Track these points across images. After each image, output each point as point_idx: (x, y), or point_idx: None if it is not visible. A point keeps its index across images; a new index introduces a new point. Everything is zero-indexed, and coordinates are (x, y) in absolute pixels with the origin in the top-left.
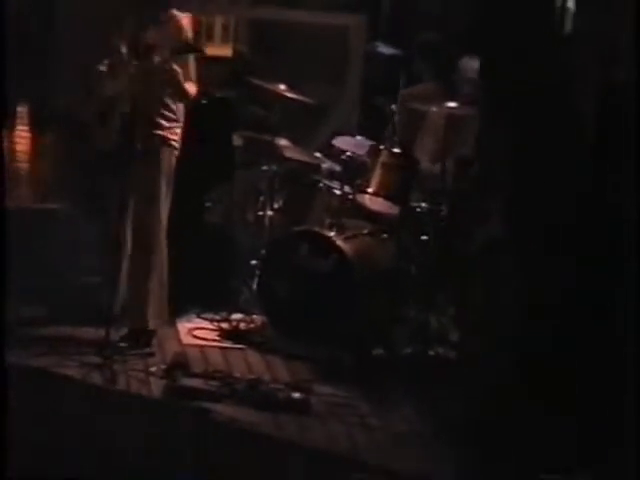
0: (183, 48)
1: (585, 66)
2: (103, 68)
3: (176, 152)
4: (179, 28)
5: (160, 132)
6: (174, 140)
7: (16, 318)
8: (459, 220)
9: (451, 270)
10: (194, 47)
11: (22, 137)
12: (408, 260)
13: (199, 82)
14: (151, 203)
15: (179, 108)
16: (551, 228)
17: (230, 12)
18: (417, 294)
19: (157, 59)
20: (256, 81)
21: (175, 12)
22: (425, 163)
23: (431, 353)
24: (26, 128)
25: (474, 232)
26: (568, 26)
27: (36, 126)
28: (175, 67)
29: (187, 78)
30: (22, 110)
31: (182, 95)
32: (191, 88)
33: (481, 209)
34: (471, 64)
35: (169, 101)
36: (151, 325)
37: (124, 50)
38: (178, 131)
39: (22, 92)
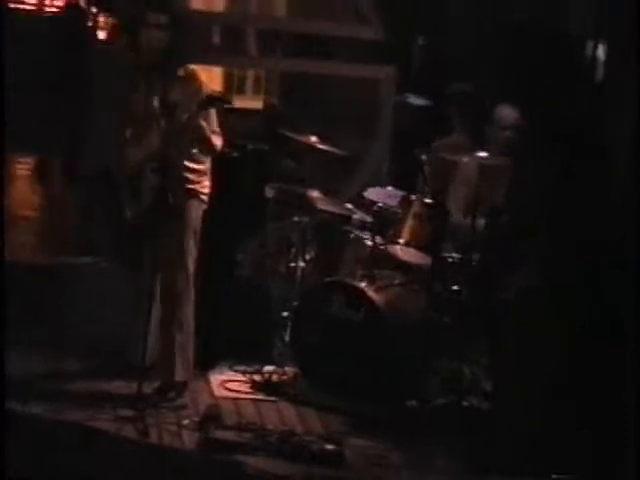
0: (209, 102)
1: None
2: (129, 132)
3: (204, 205)
4: (200, 82)
5: (190, 186)
6: (203, 193)
7: (48, 372)
8: (490, 270)
9: (483, 320)
10: (221, 99)
11: (55, 192)
12: (440, 310)
13: (228, 134)
14: (179, 256)
15: (207, 161)
16: (584, 275)
17: (261, 65)
18: (449, 344)
19: (183, 115)
20: (287, 133)
21: (193, 67)
22: (456, 213)
23: (465, 404)
24: (60, 184)
25: (506, 281)
26: (599, 75)
27: (70, 182)
28: (201, 122)
29: (212, 130)
30: (56, 166)
31: (209, 149)
32: (217, 140)
33: (513, 258)
34: (506, 112)
35: (197, 155)
36: (178, 377)
37: (149, 111)
38: (207, 184)
39: (55, 148)
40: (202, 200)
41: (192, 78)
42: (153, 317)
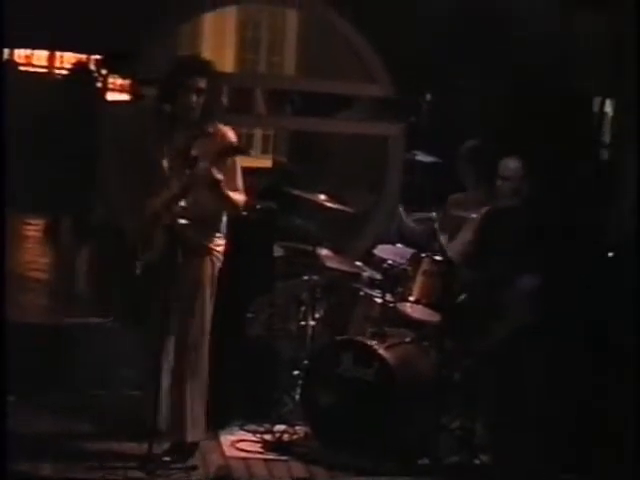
0: (226, 151)
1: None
2: (149, 184)
3: (218, 263)
4: (223, 138)
5: (204, 243)
6: (217, 251)
7: (59, 432)
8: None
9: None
10: (237, 148)
11: (65, 251)
12: (451, 368)
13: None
14: (194, 315)
15: (222, 219)
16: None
17: (270, 124)
18: (461, 402)
19: (201, 168)
20: (296, 192)
21: (221, 125)
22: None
23: (477, 462)
24: (68, 240)
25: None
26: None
27: (79, 238)
28: (217, 175)
29: (233, 187)
30: (65, 223)
31: (226, 203)
32: (239, 197)
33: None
34: (510, 165)
35: (213, 212)
36: (190, 438)
37: (168, 165)
38: (220, 242)
39: (65, 204)
40: (217, 257)
41: (215, 134)
42: (165, 377)
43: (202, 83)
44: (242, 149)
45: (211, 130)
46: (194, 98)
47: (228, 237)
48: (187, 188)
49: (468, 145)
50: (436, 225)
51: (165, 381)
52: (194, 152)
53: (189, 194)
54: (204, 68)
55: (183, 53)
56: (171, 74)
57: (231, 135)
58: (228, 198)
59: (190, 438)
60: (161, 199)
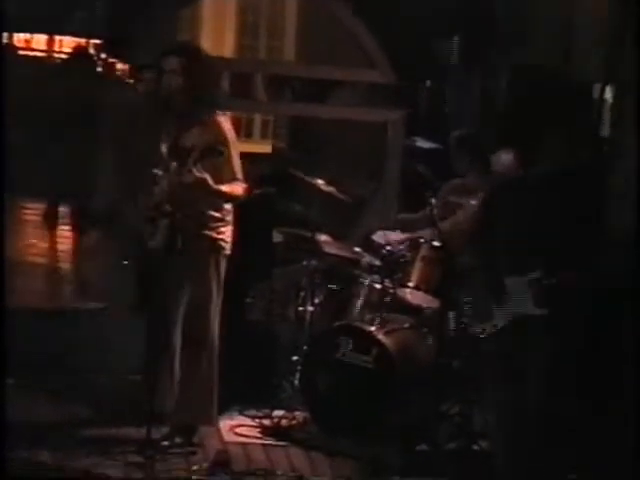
0: (206, 152)
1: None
2: (148, 174)
3: (226, 252)
4: (218, 129)
5: (207, 232)
6: (223, 240)
7: (57, 418)
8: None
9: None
10: (215, 150)
11: (66, 237)
12: (450, 354)
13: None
14: (204, 304)
15: (225, 208)
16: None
17: (269, 110)
18: (460, 388)
19: (190, 163)
20: (295, 176)
21: (218, 113)
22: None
23: (475, 448)
24: (69, 227)
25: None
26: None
27: (81, 225)
28: (200, 174)
29: (231, 177)
30: (65, 210)
31: (220, 197)
32: (236, 188)
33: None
34: (504, 158)
35: (215, 202)
36: (195, 422)
37: (167, 152)
38: (225, 230)
39: (65, 194)
40: (223, 247)
41: (211, 123)
42: (166, 363)
43: (177, 64)
44: (217, 149)
45: (205, 118)
46: (170, 79)
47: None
48: (181, 182)
49: (456, 134)
50: (435, 211)
51: (171, 367)
52: (188, 142)
53: (183, 186)
54: (180, 49)
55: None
56: (156, 60)
57: (227, 126)
58: (220, 193)
59: (194, 421)
60: (160, 188)
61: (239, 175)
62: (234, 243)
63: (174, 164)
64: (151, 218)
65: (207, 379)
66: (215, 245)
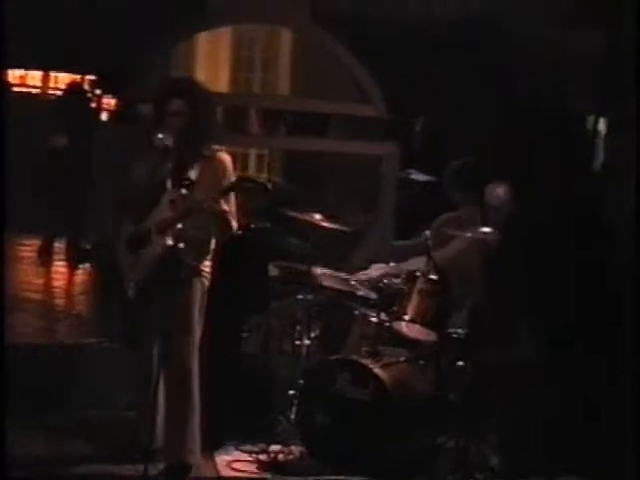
0: (239, 185)
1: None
2: (138, 203)
3: (207, 282)
4: (223, 164)
5: (195, 264)
6: (205, 271)
7: (53, 454)
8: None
9: (489, 395)
10: (243, 184)
11: (59, 272)
12: (446, 387)
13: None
14: (186, 334)
15: (212, 241)
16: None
17: (264, 144)
18: (456, 421)
19: (201, 196)
20: (291, 212)
21: (218, 148)
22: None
23: None
24: (64, 263)
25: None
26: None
27: (74, 260)
28: (224, 206)
29: (230, 212)
30: (60, 245)
31: (228, 231)
32: (233, 222)
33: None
34: (497, 191)
35: (204, 235)
36: (189, 459)
37: (161, 188)
38: (208, 263)
39: (59, 229)
40: (205, 277)
41: (214, 159)
42: (159, 398)
43: (182, 106)
44: (255, 182)
45: (206, 153)
46: (175, 121)
47: (222, 257)
48: (186, 213)
49: (451, 167)
50: (429, 242)
51: (160, 402)
52: (191, 176)
53: (187, 218)
54: (183, 90)
55: (177, 73)
56: (154, 99)
57: (228, 160)
58: (230, 226)
59: (189, 460)
60: (153, 221)
61: (233, 209)
62: (231, 277)
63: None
64: (136, 244)
65: (194, 411)
66: (200, 278)
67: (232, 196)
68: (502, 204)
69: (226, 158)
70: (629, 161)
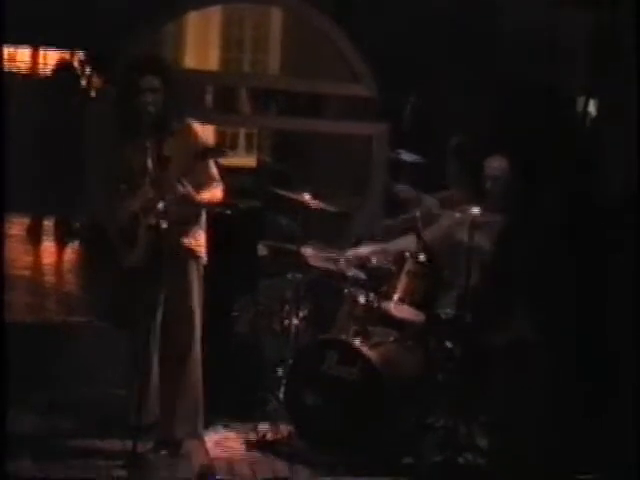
0: (200, 154)
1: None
2: (124, 185)
3: (203, 261)
4: (195, 136)
5: (185, 241)
6: (199, 249)
7: (42, 431)
8: (482, 325)
9: (477, 376)
10: (210, 150)
11: (49, 251)
12: (435, 367)
13: (225, 192)
14: (187, 315)
15: (202, 215)
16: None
17: (254, 123)
18: (445, 401)
19: (179, 172)
20: (280, 191)
21: (190, 121)
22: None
23: (460, 460)
24: (53, 242)
25: (497, 336)
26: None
27: (63, 239)
28: (184, 189)
29: (210, 181)
30: (49, 224)
31: (203, 206)
32: (216, 192)
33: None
34: (496, 163)
35: (192, 214)
36: (179, 434)
37: (142, 165)
38: (201, 239)
39: (49, 207)
40: (200, 256)
41: (187, 132)
42: (152, 376)
43: (156, 82)
44: (216, 150)
45: (179, 128)
46: (149, 98)
47: (212, 236)
48: (161, 192)
49: (454, 141)
50: (419, 224)
51: (153, 379)
52: (166, 152)
53: (164, 197)
54: (156, 67)
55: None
56: (124, 75)
57: (203, 133)
58: (203, 202)
59: (179, 434)
60: (138, 201)
61: (217, 177)
62: (220, 257)
63: (159, 175)
64: (126, 231)
65: (192, 391)
66: (194, 253)
67: (213, 168)
68: (502, 173)
69: (198, 129)
70: (621, 141)
